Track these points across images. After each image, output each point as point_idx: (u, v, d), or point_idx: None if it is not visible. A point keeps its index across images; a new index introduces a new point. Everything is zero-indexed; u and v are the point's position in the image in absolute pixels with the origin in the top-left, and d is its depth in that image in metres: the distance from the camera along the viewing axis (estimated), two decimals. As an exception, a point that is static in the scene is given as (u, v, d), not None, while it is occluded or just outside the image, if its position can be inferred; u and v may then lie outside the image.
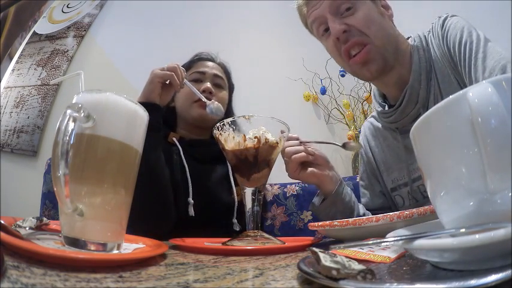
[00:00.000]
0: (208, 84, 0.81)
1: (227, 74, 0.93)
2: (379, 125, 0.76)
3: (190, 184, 0.71)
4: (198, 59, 0.90)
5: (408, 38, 0.70)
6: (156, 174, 0.64)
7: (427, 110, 0.69)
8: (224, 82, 0.89)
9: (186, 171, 0.72)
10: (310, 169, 0.63)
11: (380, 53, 0.61)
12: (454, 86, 0.60)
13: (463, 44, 0.58)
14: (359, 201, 0.76)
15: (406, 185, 0.69)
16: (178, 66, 0.68)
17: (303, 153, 0.62)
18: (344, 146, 0.65)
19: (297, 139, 0.64)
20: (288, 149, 0.63)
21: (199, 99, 0.77)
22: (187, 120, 0.83)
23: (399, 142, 0.69)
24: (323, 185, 0.65)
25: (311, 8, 0.66)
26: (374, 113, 0.79)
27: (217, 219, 0.73)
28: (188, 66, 0.88)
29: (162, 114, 0.69)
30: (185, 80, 0.70)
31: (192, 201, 0.70)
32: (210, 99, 0.76)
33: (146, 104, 0.65)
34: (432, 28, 0.66)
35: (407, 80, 0.64)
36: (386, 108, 0.70)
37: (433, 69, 0.63)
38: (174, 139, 0.78)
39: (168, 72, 0.67)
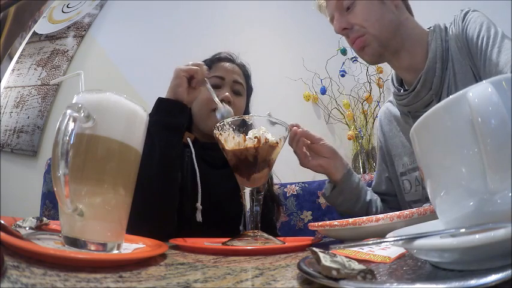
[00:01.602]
0: (227, 93, 0.78)
1: (246, 77, 0.89)
2: (395, 109, 0.79)
3: (200, 189, 0.70)
4: (217, 59, 0.86)
5: (430, 28, 0.72)
6: (168, 175, 0.63)
7: (439, 97, 0.66)
8: (243, 87, 0.85)
9: (196, 175, 0.71)
10: (319, 161, 0.69)
11: (376, 39, 0.66)
12: (470, 77, 0.62)
13: (481, 37, 0.61)
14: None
15: (414, 170, 0.71)
16: (201, 64, 0.68)
17: (302, 140, 0.68)
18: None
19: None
20: (294, 138, 0.68)
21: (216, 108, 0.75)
22: (202, 128, 0.80)
23: (411, 127, 0.71)
24: (331, 175, 0.70)
25: (327, 7, 0.73)
26: (391, 97, 0.82)
27: (224, 225, 0.71)
28: (207, 66, 0.83)
29: (187, 115, 0.67)
30: (207, 81, 0.69)
31: (201, 206, 0.68)
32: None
33: (174, 105, 0.65)
34: (454, 20, 0.69)
35: (423, 67, 0.67)
36: (402, 91, 0.73)
37: (451, 60, 0.65)
38: (188, 140, 0.76)
39: (192, 67, 0.66)
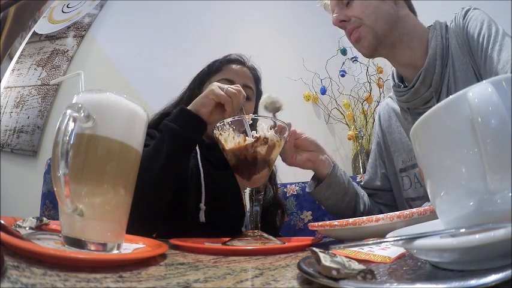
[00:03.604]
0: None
1: (257, 80, 0.86)
2: (395, 105, 0.79)
3: (203, 189, 0.69)
4: (227, 61, 0.83)
5: (430, 26, 0.72)
6: (165, 184, 0.60)
7: (439, 95, 0.66)
8: (252, 92, 0.82)
9: (200, 176, 0.70)
10: (305, 155, 0.67)
11: (372, 31, 0.66)
12: (470, 75, 0.62)
13: (482, 35, 0.60)
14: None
15: (414, 167, 0.71)
16: (239, 93, 0.62)
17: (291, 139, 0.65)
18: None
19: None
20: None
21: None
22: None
23: (409, 123, 0.72)
24: (318, 169, 0.68)
25: (330, 4, 0.74)
26: (391, 93, 0.82)
27: (227, 226, 0.70)
28: (217, 68, 0.82)
29: (204, 132, 0.64)
30: (245, 118, 0.59)
31: (204, 207, 0.67)
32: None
33: (194, 120, 0.61)
34: (455, 18, 0.69)
35: (423, 64, 0.67)
36: (402, 87, 0.73)
37: (451, 57, 0.65)
38: None
39: (225, 95, 0.61)
